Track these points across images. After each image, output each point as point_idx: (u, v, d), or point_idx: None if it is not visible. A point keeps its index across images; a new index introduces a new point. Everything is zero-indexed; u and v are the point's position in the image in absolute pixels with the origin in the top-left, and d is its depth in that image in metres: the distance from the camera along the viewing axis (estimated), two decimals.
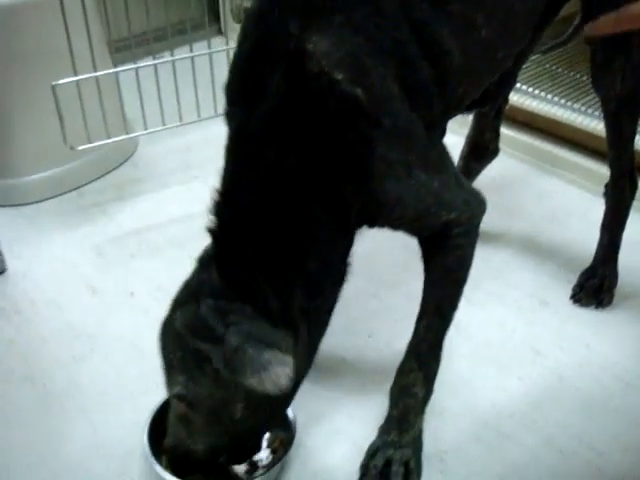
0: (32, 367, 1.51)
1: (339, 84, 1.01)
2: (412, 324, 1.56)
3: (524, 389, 1.45)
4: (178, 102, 1.94)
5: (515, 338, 1.57)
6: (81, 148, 1.79)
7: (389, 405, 1.32)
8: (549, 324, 1.59)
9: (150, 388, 1.44)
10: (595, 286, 1.63)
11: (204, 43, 2.05)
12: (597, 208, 1.91)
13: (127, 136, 1.90)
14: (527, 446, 1.34)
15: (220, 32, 2.80)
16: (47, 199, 1.99)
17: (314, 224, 1.08)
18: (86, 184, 2.05)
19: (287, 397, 1.16)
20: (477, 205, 1.24)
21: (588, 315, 1.62)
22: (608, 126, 1.51)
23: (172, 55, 1.92)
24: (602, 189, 1.95)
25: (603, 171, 1.95)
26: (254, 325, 1.05)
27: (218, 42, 2.45)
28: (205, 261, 1.15)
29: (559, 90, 2.13)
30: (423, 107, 1.12)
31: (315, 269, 1.10)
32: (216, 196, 1.11)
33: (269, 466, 1.26)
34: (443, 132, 1.33)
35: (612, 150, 1.54)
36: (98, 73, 1.74)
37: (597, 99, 2.03)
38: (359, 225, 1.17)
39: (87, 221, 1.94)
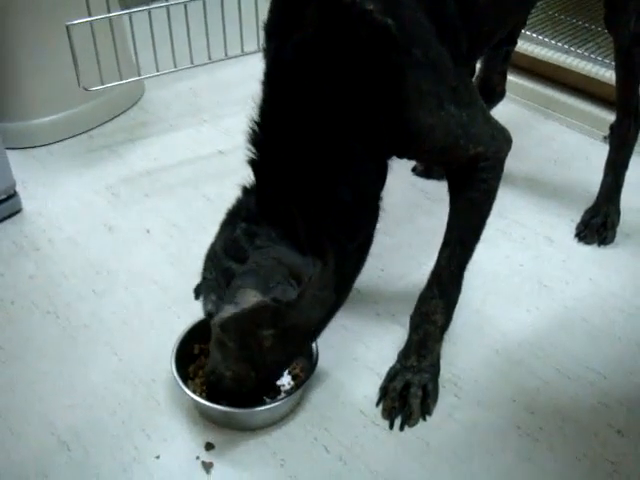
0: (55, 302, 1.55)
1: (370, 13, 1.05)
2: (422, 258, 1.63)
3: (532, 320, 1.51)
4: (189, 44, 1.95)
5: (522, 272, 1.62)
6: (94, 89, 1.80)
7: (409, 331, 1.38)
8: (554, 259, 1.65)
9: (171, 319, 1.51)
10: (598, 224, 1.68)
11: None
12: (597, 151, 1.98)
13: (139, 77, 1.92)
14: (536, 372, 1.40)
15: None
16: (58, 141, 2.01)
17: (348, 151, 1.12)
18: (96, 127, 2.07)
19: (316, 328, 1.22)
20: (503, 140, 1.28)
21: (591, 252, 1.68)
22: (619, 64, 1.56)
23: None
24: (601, 133, 2.01)
25: (603, 115, 2.01)
26: (276, 249, 1.11)
27: None
28: (248, 189, 1.19)
29: (561, 36, 2.16)
30: (451, 41, 1.16)
31: (347, 198, 1.13)
32: (253, 126, 1.14)
33: (291, 391, 1.32)
34: (472, 70, 1.36)
35: (621, 90, 1.59)
36: (112, 14, 1.75)
37: (598, 45, 2.08)
38: (391, 154, 1.22)
39: (99, 162, 1.96)
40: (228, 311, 1.10)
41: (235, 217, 1.16)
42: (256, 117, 1.15)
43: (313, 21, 1.06)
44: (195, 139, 2.05)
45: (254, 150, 1.15)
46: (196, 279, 1.56)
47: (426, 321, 1.35)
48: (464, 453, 1.26)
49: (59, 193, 1.85)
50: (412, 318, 1.38)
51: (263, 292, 1.08)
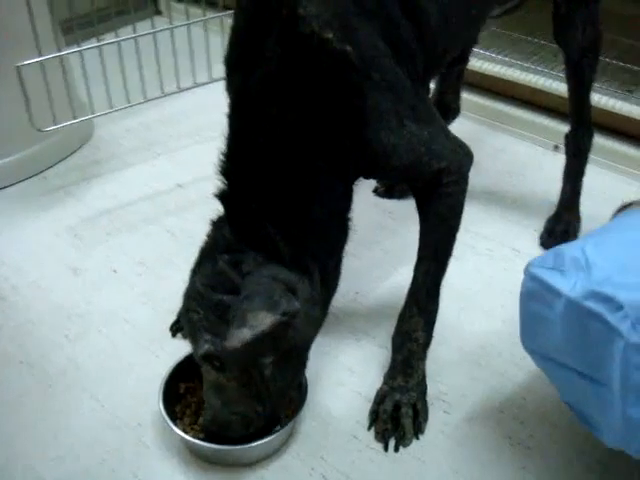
0: (27, 350, 1.50)
1: (330, 42, 1.09)
2: (394, 278, 1.65)
3: (509, 330, 1.52)
4: (142, 79, 1.94)
5: (493, 284, 1.66)
6: (48, 129, 1.76)
7: (392, 351, 1.39)
8: (522, 269, 1.68)
9: (149, 359, 1.48)
10: (562, 231, 1.73)
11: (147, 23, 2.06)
12: (549, 160, 2.05)
13: (93, 116, 1.88)
14: (519, 381, 1.43)
15: (158, 12, 2.79)
16: (11, 185, 1.96)
17: (316, 174, 1.15)
18: (49, 168, 2.03)
19: (308, 342, 1.22)
20: (465, 155, 1.32)
21: None
22: (570, 76, 1.62)
23: (117, 36, 1.90)
24: (551, 142, 2.08)
25: (552, 125, 2.08)
26: (267, 269, 1.12)
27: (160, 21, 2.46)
28: (218, 223, 1.19)
29: (505, 51, 2.22)
30: (407, 63, 1.20)
31: (320, 216, 1.17)
32: (222, 157, 1.18)
33: (283, 423, 1.30)
34: (427, 90, 1.40)
35: (573, 100, 1.65)
36: (62, 53, 1.71)
37: (543, 57, 2.14)
38: (357, 175, 1.25)
39: (56, 204, 1.92)
40: (243, 337, 1.08)
41: (212, 252, 1.16)
42: (225, 149, 1.19)
43: (275, 53, 1.10)
44: (151, 174, 2.03)
45: (224, 180, 1.18)
46: (170, 316, 1.55)
47: (408, 340, 1.36)
48: (460, 467, 1.27)
49: (18, 238, 1.80)
50: (394, 338, 1.39)
51: (272, 309, 1.08)
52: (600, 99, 1.95)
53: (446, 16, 1.27)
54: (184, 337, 1.51)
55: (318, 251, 1.18)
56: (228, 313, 1.11)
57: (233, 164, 1.17)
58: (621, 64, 2.08)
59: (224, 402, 1.18)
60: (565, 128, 2.01)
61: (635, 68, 2.07)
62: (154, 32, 1.93)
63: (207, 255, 1.18)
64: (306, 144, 1.12)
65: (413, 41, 1.19)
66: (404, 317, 1.37)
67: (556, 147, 2.04)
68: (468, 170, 1.33)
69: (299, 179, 1.13)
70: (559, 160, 2.03)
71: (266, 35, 1.10)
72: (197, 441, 1.25)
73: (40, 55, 1.66)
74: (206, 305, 1.13)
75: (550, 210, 1.83)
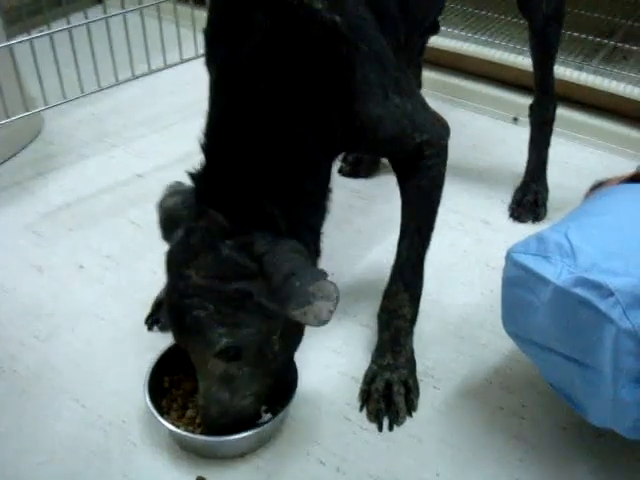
0: None
1: (318, 12, 1.06)
2: (369, 256, 1.63)
3: (488, 301, 1.54)
4: (95, 68, 1.87)
5: (468, 257, 1.66)
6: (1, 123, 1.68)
7: (379, 330, 1.37)
8: (495, 241, 1.69)
9: (126, 354, 1.43)
10: (530, 202, 1.75)
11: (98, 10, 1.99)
12: (511, 132, 2.06)
13: (46, 107, 1.81)
14: (503, 352, 1.43)
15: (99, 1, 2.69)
16: None
17: (306, 147, 1.11)
18: None
19: None
20: (443, 127, 1.31)
21: (528, 229, 1.71)
22: (534, 46, 1.63)
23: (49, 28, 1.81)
24: (510, 115, 2.10)
25: (511, 98, 2.09)
26: (283, 244, 1.07)
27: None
28: (189, 217, 1.13)
29: (460, 25, 2.23)
30: (390, 32, 1.18)
31: (312, 188, 1.15)
32: (206, 136, 1.12)
33: (272, 410, 1.27)
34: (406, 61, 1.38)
35: (537, 70, 1.66)
36: (13, 42, 1.63)
37: (498, 31, 2.15)
38: (341, 149, 1.23)
39: (12, 201, 1.84)
40: (328, 309, 1.02)
41: (205, 242, 1.08)
42: (207, 127, 1.13)
43: (263, 24, 1.05)
44: (108, 165, 1.96)
45: (208, 160, 1.12)
46: (144, 309, 1.50)
47: (395, 317, 1.35)
48: (455, 441, 1.27)
49: None
50: (379, 316, 1.38)
51: (325, 278, 1.04)
52: (558, 69, 1.97)
53: None
54: (161, 330, 1.48)
55: (311, 223, 1.16)
56: (246, 299, 1.06)
57: (219, 142, 1.11)
58: (575, 34, 2.11)
59: (234, 390, 1.15)
60: (523, 100, 2.04)
61: (590, 38, 2.10)
62: (105, 18, 1.86)
63: (199, 247, 1.09)
64: (295, 117, 1.08)
65: (396, 10, 1.17)
66: (389, 294, 1.35)
67: (515, 119, 2.05)
68: (447, 142, 1.32)
69: (290, 153, 1.10)
70: (520, 132, 2.05)
71: (253, 7, 1.06)
72: (194, 435, 1.21)
73: None
74: (216, 298, 1.07)
75: (515, 181, 1.84)
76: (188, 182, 1.19)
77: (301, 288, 1.01)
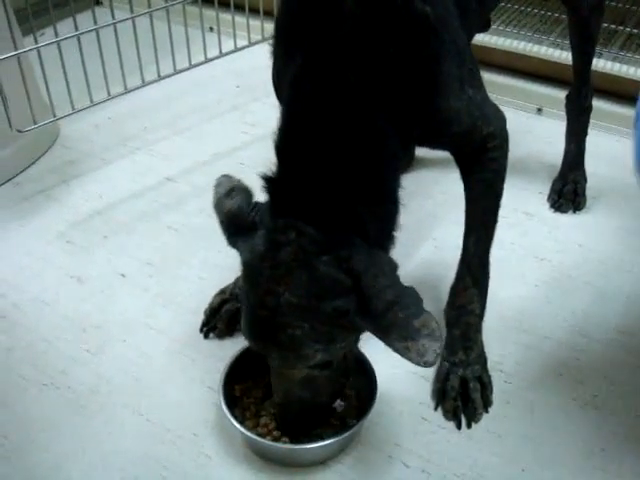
0: (46, 371, 1.37)
1: (412, 2, 1.02)
2: (416, 254, 1.61)
3: (543, 292, 1.53)
4: (105, 74, 1.81)
5: (516, 250, 1.64)
6: (28, 129, 1.61)
7: (448, 327, 1.35)
8: (540, 232, 1.69)
9: (185, 364, 1.38)
10: (570, 191, 1.74)
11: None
12: (536, 123, 2.06)
13: (72, 112, 1.73)
14: (567, 342, 1.42)
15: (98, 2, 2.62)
16: None
17: (388, 144, 1.07)
18: (19, 173, 1.86)
19: None
20: (502, 119, 1.29)
21: (570, 219, 1.73)
22: (576, 35, 1.63)
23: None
24: (534, 106, 2.09)
25: (534, 89, 2.08)
26: (377, 258, 1.03)
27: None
28: (267, 227, 1.06)
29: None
30: (466, 24, 1.15)
31: (393, 186, 1.11)
32: (285, 137, 1.06)
33: (345, 413, 1.25)
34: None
35: (578, 59, 1.65)
36: (38, 45, 1.57)
37: (524, 23, 2.14)
38: (415, 143, 1.22)
39: (38, 210, 1.77)
40: (435, 349, 0.97)
41: (299, 258, 1.02)
42: (286, 127, 1.06)
43: (352, 13, 1.00)
44: (133, 169, 1.90)
45: (286, 165, 1.05)
46: (194, 316, 1.45)
47: (465, 313, 1.33)
48: (535, 436, 1.26)
49: (5, 251, 1.64)
50: (447, 313, 1.35)
51: (423, 308, 1.00)
52: None
53: None
54: (218, 337, 1.44)
55: (391, 225, 1.12)
56: (343, 318, 1.02)
57: (299, 142, 1.04)
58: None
59: (314, 391, 1.13)
60: (545, 90, 2.03)
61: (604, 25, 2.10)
62: (114, 23, 1.78)
63: (292, 264, 1.02)
64: (379, 111, 1.03)
65: (475, 3, 1.15)
66: (458, 290, 1.33)
67: (539, 110, 2.05)
68: (507, 133, 1.29)
69: (374, 152, 1.05)
70: (545, 122, 2.06)
71: None
72: (281, 445, 1.18)
73: (16, 49, 1.50)
74: (312, 317, 1.02)
75: (547, 171, 1.84)
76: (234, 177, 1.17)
77: (405, 320, 0.98)
